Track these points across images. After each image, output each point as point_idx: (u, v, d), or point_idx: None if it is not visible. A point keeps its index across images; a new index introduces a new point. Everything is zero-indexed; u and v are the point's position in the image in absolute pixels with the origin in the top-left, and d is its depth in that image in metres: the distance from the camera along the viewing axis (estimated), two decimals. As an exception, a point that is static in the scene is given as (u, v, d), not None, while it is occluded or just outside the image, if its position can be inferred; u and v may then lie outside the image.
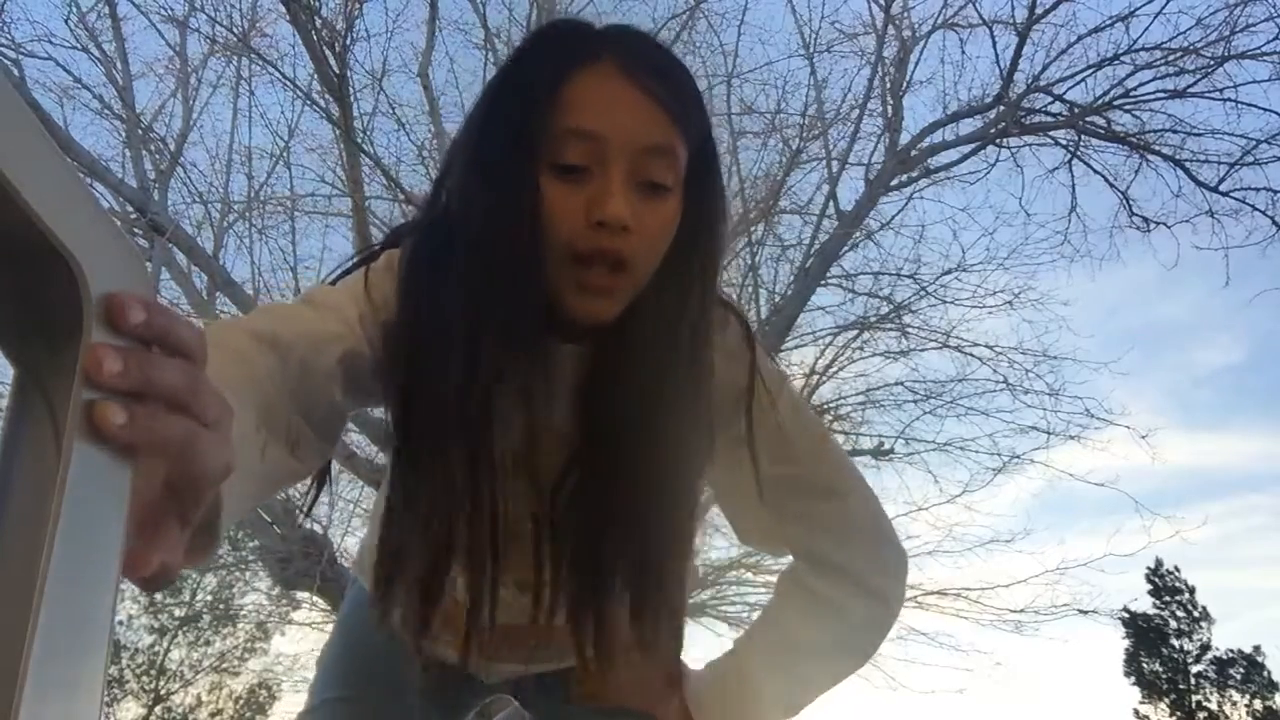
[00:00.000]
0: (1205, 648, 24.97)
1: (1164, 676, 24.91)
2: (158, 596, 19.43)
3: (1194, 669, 24.85)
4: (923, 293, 7.70)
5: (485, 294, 0.81)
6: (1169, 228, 7.41)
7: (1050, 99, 7.44)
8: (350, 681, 1.13)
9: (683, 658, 1.09)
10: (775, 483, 0.97)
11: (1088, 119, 7.37)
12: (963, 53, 7.64)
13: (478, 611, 0.86)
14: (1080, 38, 7.24)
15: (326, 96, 6.09)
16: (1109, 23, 7.12)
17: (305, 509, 1.04)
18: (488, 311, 0.81)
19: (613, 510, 0.87)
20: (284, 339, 0.74)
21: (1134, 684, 25.25)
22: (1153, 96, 7.24)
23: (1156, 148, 7.30)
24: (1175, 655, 25.02)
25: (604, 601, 0.89)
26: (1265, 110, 6.93)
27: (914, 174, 7.76)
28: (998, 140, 7.61)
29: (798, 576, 1.04)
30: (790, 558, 1.07)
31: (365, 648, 1.13)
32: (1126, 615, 24.25)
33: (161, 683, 19.36)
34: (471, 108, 0.90)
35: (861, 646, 1.04)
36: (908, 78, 7.77)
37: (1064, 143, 7.61)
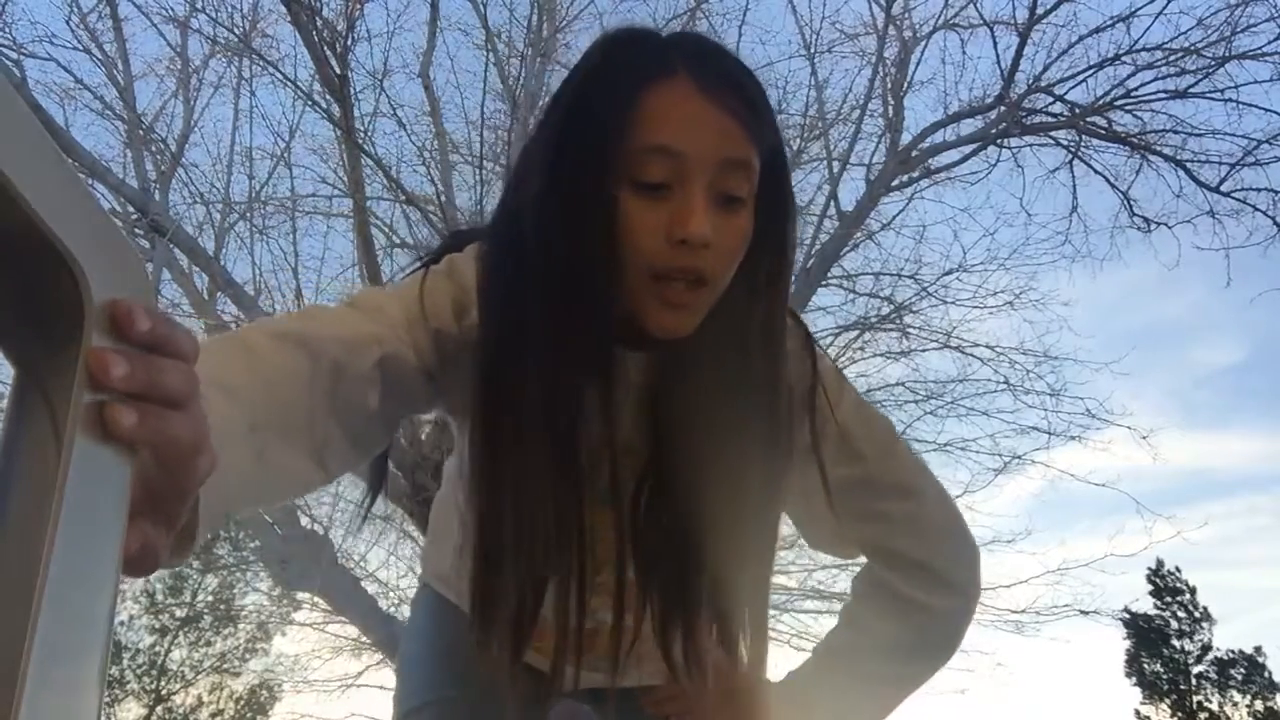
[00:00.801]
0: (1206, 648, 24.94)
1: (1165, 677, 24.88)
2: (159, 597, 19.43)
3: (1195, 670, 24.83)
4: (923, 293, 7.70)
5: (563, 311, 0.81)
6: (1170, 228, 7.42)
7: (1051, 99, 7.45)
8: (446, 683, 1.13)
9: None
10: (844, 484, 0.96)
11: (1089, 119, 7.37)
12: (964, 53, 7.65)
13: (567, 629, 0.86)
14: (1081, 38, 7.25)
15: (327, 97, 6.10)
16: (1110, 23, 7.12)
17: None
18: (565, 328, 0.81)
19: (691, 519, 0.86)
20: (315, 339, 0.74)
21: (1135, 684, 25.24)
22: (1154, 97, 7.25)
23: (1157, 148, 7.30)
24: (1176, 656, 25.00)
25: (689, 612, 0.88)
26: (1266, 110, 6.94)
27: (915, 174, 7.76)
28: (999, 140, 7.61)
29: (875, 576, 1.04)
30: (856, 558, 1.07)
31: (451, 652, 1.14)
32: (1127, 616, 24.21)
33: (162, 683, 19.36)
34: (542, 118, 0.89)
35: (945, 642, 1.04)
36: (909, 78, 7.77)
37: (1065, 143, 7.62)
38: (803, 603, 7.56)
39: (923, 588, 1.00)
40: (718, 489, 0.85)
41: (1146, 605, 25.24)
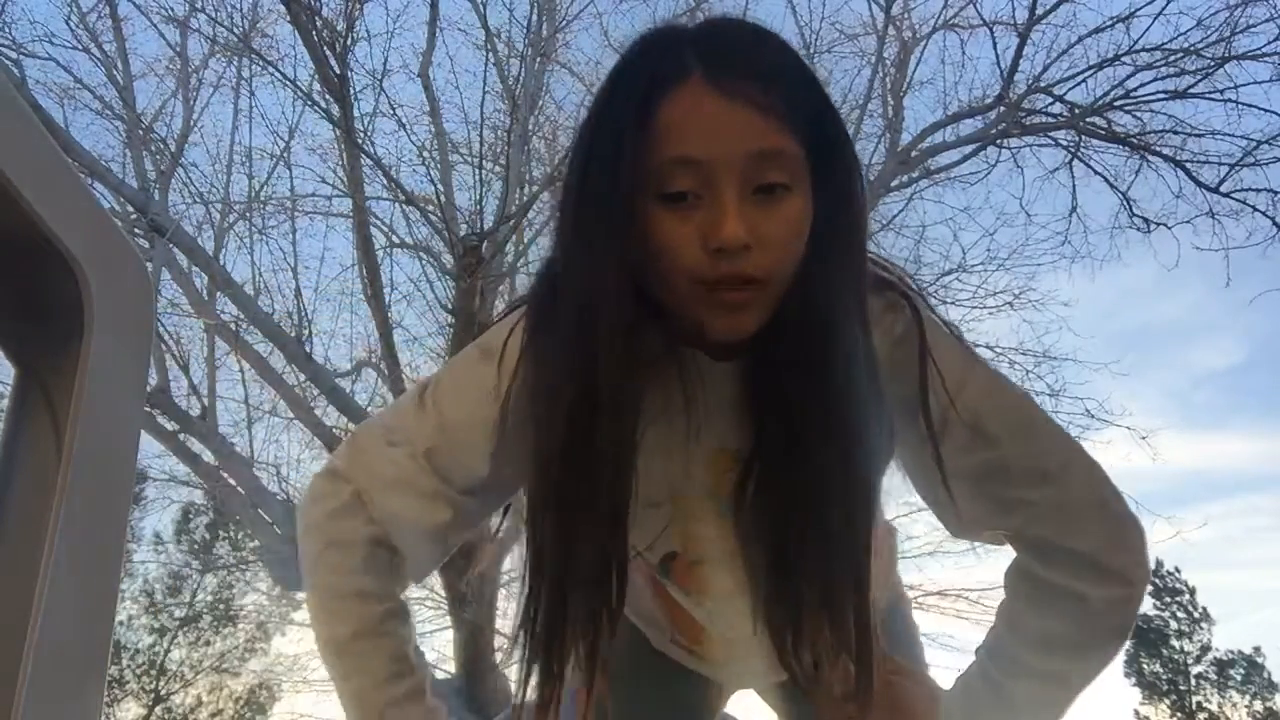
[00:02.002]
0: (1205, 649, 24.94)
1: (1164, 677, 24.87)
2: (158, 597, 19.44)
3: (1194, 670, 24.82)
4: (923, 294, 7.68)
5: (592, 348, 0.80)
6: (1169, 228, 7.42)
7: (1051, 100, 7.45)
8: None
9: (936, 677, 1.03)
10: (978, 471, 0.90)
11: (1088, 120, 7.37)
12: (963, 53, 7.65)
13: (593, 656, 0.84)
14: (1081, 38, 7.25)
15: (327, 97, 6.10)
16: (1109, 23, 7.12)
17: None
18: (599, 363, 0.80)
19: (794, 518, 0.84)
20: (396, 545, 0.88)
21: (1134, 685, 25.24)
22: (1153, 97, 7.25)
23: (1157, 148, 7.30)
24: (1175, 656, 24.99)
25: (799, 609, 0.86)
26: (1266, 111, 6.94)
27: (914, 174, 7.76)
28: (998, 141, 7.61)
29: (1025, 569, 0.96)
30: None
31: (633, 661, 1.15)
32: (1127, 616, 24.17)
33: (161, 683, 19.36)
34: (573, 141, 0.88)
35: (1110, 633, 0.95)
36: (908, 78, 7.78)
37: (1064, 143, 7.62)
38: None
39: (1076, 576, 0.92)
40: (816, 486, 0.83)
41: (1146, 605, 25.20)
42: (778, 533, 0.85)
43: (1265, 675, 24.35)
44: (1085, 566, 0.92)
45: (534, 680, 0.84)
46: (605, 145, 0.80)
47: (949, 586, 7.93)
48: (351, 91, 6.03)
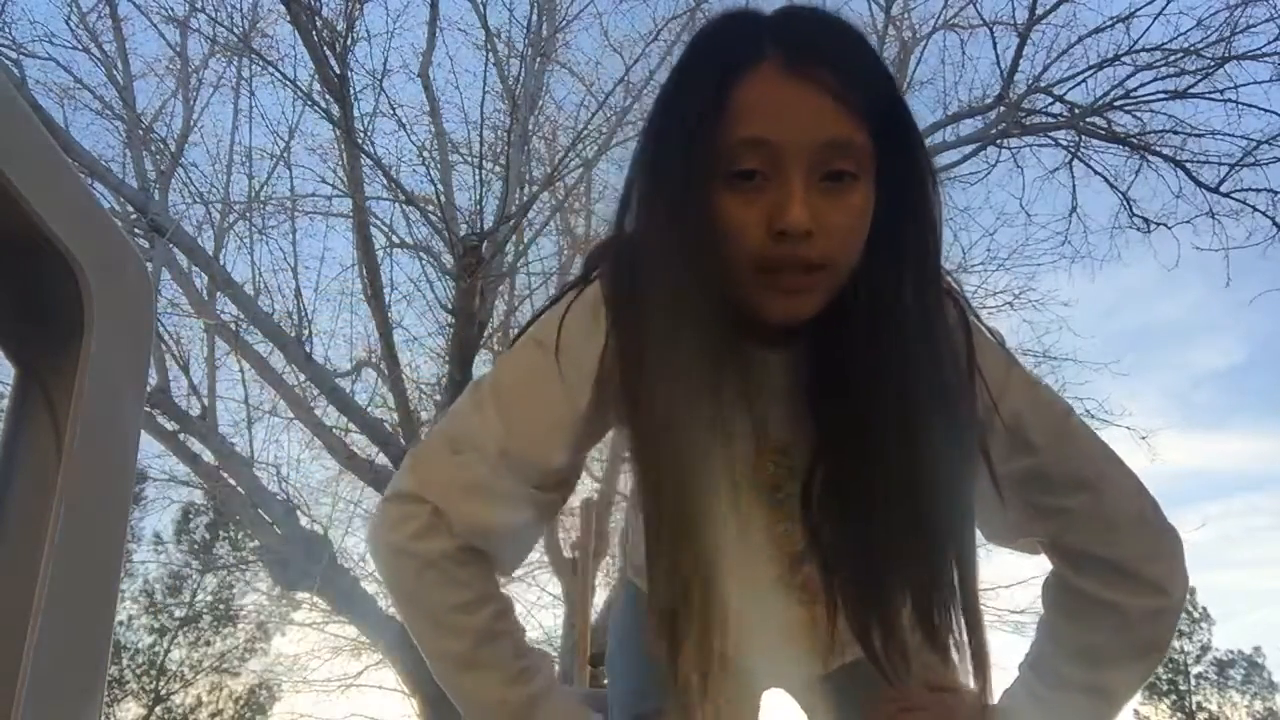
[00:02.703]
0: (1205, 649, 24.95)
1: (1164, 677, 24.88)
2: (158, 597, 19.44)
3: (1194, 670, 24.83)
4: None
5: (683, 315, 0.80)
6: (1169, 228, 7.42)
7: (1051, 100, 7.45)
8: (644, 688, 1.11)
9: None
10: (1016, 478, 0.90)
11: (1088, 120, 7.37)
12: (963, 53, 7.65)
13: (708, 649, 0.83)
14: (1081, 38, 7.26)
15: (327, 97, 6.10)
16: (1109, 23, 7.12)
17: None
18: (687, 333, 0.80)
19: (869, 508, 0.84)
20: (485, 549, 0.87)
21: (1134, 685, 25.24)
22: (1153, 97, 7.25)
23: (1157, 148, 7.30)
24: (1175, 656, 24.99)
25: (883, 606, 0.85)
26: (1266, 111, 6.94)
27: (914, 175, 7.74)
28: (998, 141, 7.62)
29: (1063, 580, 0.96)
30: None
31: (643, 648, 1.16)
32: (1127, 616, 24.18)
33: (161, 683, 19.36)
34: (646, 120, 0.89)
35: (1149, 645, 0.95)
36: (908, 78, 7.77)
37: (1064, 143, 7.62)
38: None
39: (1112, 587, 0.91)
40: (892, 478, 0.82)
41: (1146, 605, 25.22)
42: (852, 523, 0.85)
43: (1265, 675, 24.37)
44: (1120, 575, 0.91)
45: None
46: (679, 124, 0.81)
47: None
48: (351, 91, 6.03)
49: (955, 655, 0.85)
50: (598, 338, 0.87)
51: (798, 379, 0.88)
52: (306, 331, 6.47)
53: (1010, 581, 7.92)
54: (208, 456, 6.56)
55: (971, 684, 0.88)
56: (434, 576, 0.85)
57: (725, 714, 0.88)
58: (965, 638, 0.85)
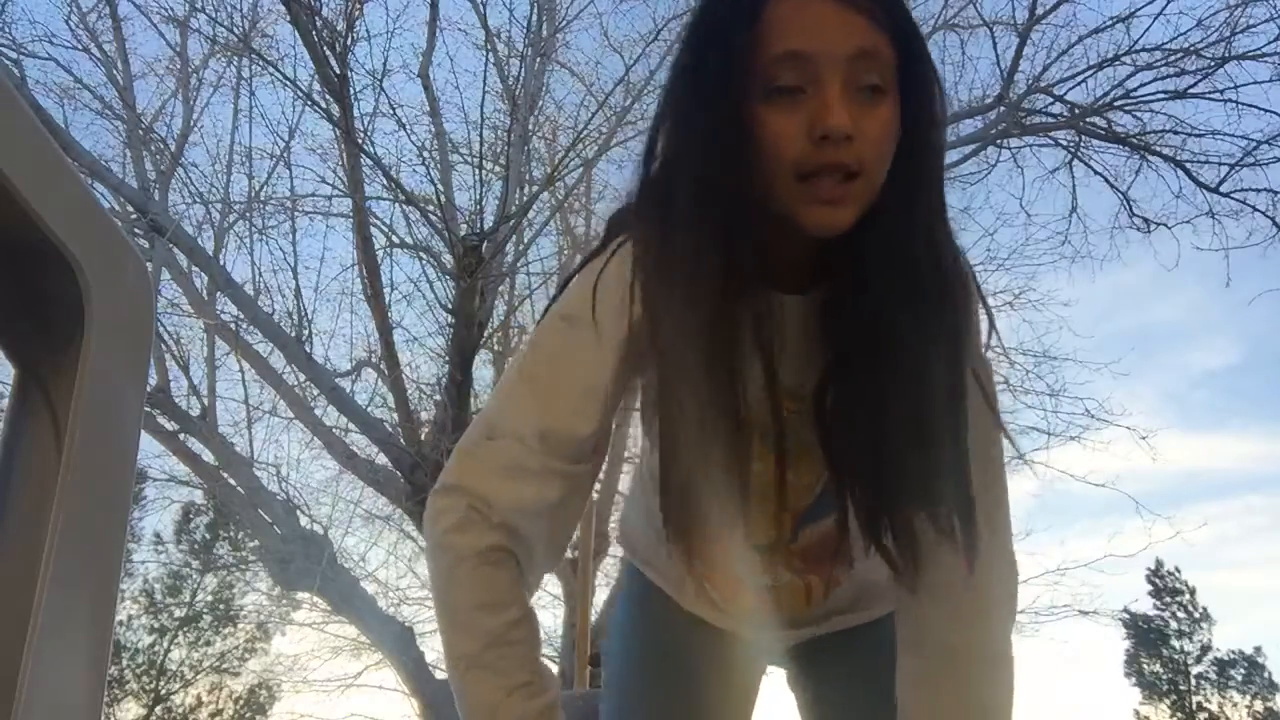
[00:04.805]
0: (1206, 649, 24.94)
1: (1164, 677, 24.87)
2: (158, 597, 19.43)
3: (1194, 670, 24.82)
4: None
5: (710, 237, 0.84)
6: (1169, 228, 7.41)
7: (1051, 100, 7.44)
8: (643, 657, 1.18)
9: None
10: None
11: (1088, 120, 7.37)
12: (963, 53, 7.64)
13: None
14: (1081, 38, 7.25)
15: (327, 97, 6.10)
16: (1109, 23, 7.12)
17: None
18: (719, 263, 0.84)
19: (877, 420, 0.88)
20: (520, 543, 0.89)
21: (1134, 685, 25.23)
22: (1153, 97, 7.24)
23: (1157, 148, 7.30)
24: (1176, 656, 24.99)
25: (895, 501, 0.89)
26: (1266, 111, 6.93)
27: (914, 174, 7.73)
28: (998, 141, 7.61)
29: (919, 676, 0.95)
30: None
31: (644, 618, 1.20)
32: (1127, 616, 24.22)
33: (161, 683, 19.35)
34: (676, 54, 0.93)
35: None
36: (908, 78, 7.74)
37: (1065, 143, 7.62)
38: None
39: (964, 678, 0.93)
40: (902, 393, 0.86)
41: (1146, 605, 25.24)
42: (861, 433, 0.89)
43: (1266, 675, 24.36)
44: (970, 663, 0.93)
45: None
46: (715, 47, 0.85)
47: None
48: (351, 91, 6.03)
49: (962, 548, 0.89)
50: (628, 299, 0.90)
51: (813, 323, 0.91)
52: (306, 331, 6.48)
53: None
54: (208, 456, 6.56)
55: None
56: (463, 573, 0.88)
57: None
58: (966, 531, 0.89)
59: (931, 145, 0.88)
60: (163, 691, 19.32)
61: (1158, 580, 25.38)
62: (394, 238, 6.93)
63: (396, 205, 6.83)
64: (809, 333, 0.92)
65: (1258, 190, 7.11)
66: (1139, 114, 7.32)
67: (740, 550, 1.01)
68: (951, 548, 0.89)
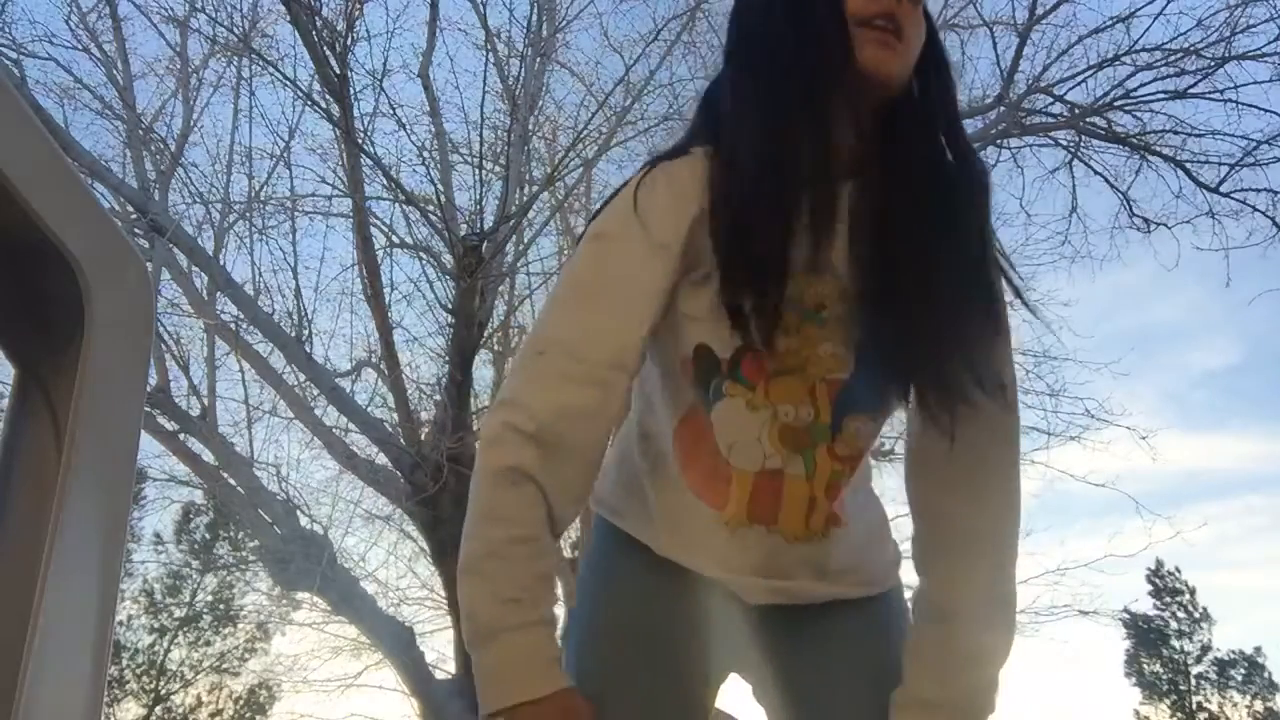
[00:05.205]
0: (1206, 649, 24.94)
1: (1165, 677, 24.87)
2: (158, 597, 19.43)
3: (1195, 670, 24.82)
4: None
5: (801, 123, 0.99)
6: (1169, 228, 7.41)
7: (1051, 100, 7.44)
8: (610, 613, 1.18)
9: None
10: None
11: (1088, 120, 7.36)
12: (963, 53, 7.63)
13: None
14: (1081, 38, 7.24)
15: (327, 97, 6.09)
16: (1109, 23, 7.11)
17: None
18: (806, 139, 0.99)
19: (916, 265, 1.00)
20: (552, 451, 0.95)
21: (1134, 685, 25.23)
22: (1153, 97, 7.23)
23: (1157, 148, 7.29)
24: (1176, 656, 24.98)
25: (931, 350, 1.00)
26: (1266, 111, 6.93)
27: (914, 174, 7.72)
28: (998, 141, 7.61)
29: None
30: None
31: (609, 572, 1.20)
32: (1127, 616, 24.22)
33: (161, 683, 19.35)
34: None
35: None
36: (908, 78, 7.75)
37: (1065, 143, 7.61)
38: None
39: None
40: (937, 253, 1.00)
41: (1146, 606, 25.24)
42: (914, 293, 0.99)
43: (1266, 675, 24.36)
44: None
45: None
46: None
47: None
48: (351, 91, 6.03)
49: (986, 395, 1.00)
50: (689, 201, 1.01)
51: (859, 205, 1.02)
52: (306, 331, 6.47)
53: (1010, 581, 7.92)
54: (208, 456, 6.56)
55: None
56: (483, 485, 0.96)
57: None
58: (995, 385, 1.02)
59: (947, 65, 1.07)
60: (163, 691, 19.33)
61: (1158, 580, 25.39)
62: (394, 238, 6.93)
63: (396, 205, 6.83)
64: (855, 216, 1.02)
65: (1258, 190, 7.11)
66: (1139, 114, 7.32)
67: (755, 410, 1.05)
68: (985, 419, 1.02)
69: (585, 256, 1.04)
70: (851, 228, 1.02)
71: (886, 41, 0.99)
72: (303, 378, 6.44)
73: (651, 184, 1.02)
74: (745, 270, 0.98)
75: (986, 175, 1.07)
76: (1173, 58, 7.04)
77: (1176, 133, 7.25)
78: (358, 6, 6.13)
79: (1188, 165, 7.23)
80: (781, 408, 1.04)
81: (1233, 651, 24.83)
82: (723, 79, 1.11)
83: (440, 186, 6.79)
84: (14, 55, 6.52)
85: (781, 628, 1.13)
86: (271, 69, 6.55)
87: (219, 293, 6.57)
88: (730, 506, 1.08)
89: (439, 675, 6.21)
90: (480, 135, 6.42)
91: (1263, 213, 7.06)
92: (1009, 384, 1.06)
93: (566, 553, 7.22)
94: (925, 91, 1.04)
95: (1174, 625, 25.24)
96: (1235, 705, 24.39)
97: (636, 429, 1.17)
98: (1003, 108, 7.38)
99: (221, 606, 19.42)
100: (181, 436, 6.47)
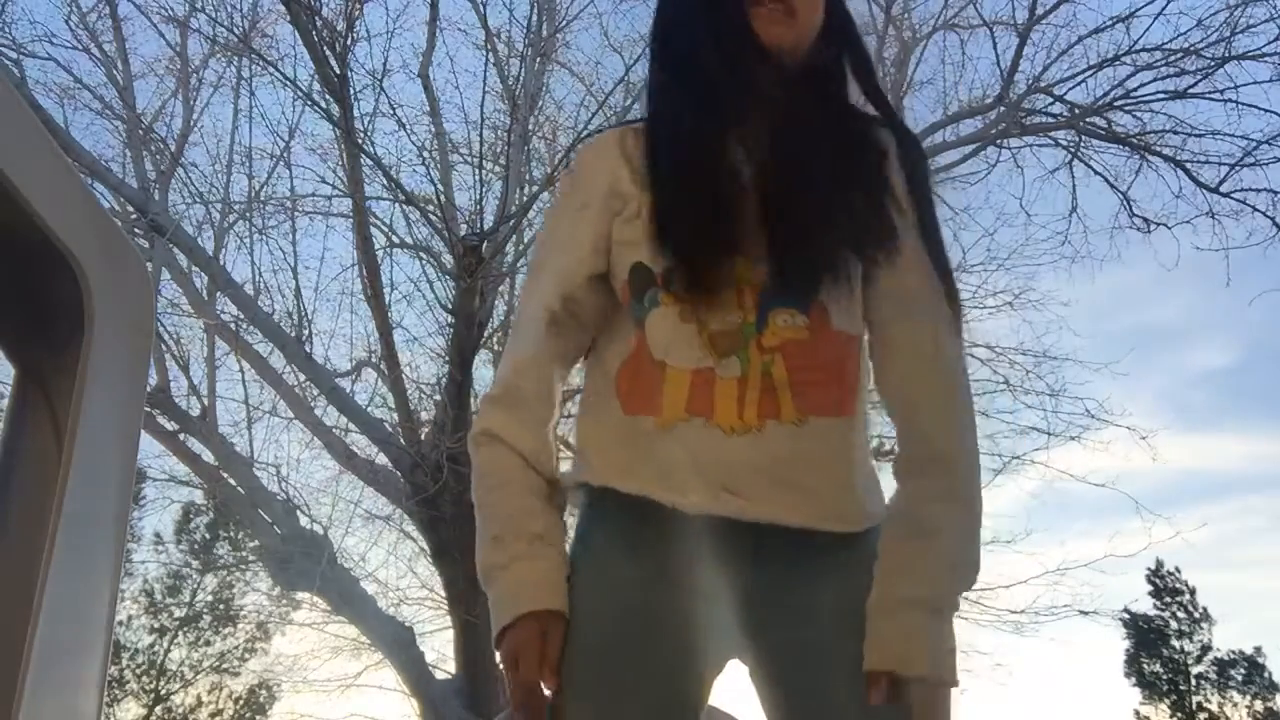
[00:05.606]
0: (1206, 649, 24.94)
1: (1165, 677, 24.87)
2: (158, 597, 19.44)
3: (1195, 670, 24.82)
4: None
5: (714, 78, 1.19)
6: (1169, 228, 7.41)
7: (1051, 100, 7.44)
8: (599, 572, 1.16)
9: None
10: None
11: (1088, 120, 7.37)
12: (963, 53, 7.65)
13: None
14: (1081, 38, 7.25)
15: (327, 97, 6.10)
16: (1109, 23, 7.12)
17: None
18: (713, 74, 1.19)
19: (813, 188, 1.16)
20: (513, 400, 1.17)
21: (1135, 685, 25.24)
22: (1153, 97, 7.24)
23: (1157, 148, 7.29)
24: (1176, 656, 24.99)
25: (824, 244, 1.14)
26: (1266, 111, 6.93)
27: (914, 174, 7.72)
28: (998, 141, 7.61)
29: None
30: None
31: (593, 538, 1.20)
32: (1127, 616, 24.23)
33: (161, 683, 19.36)
34: None
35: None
36: (908, 78, 7.77)
37: (1065, 143, 7.61)
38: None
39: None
40: (824, 161, 1.18)
41: (1146, 605, 25.25)
42: (806, 192, 1.16)
43: (1266, 675, 24.36)
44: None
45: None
46: None
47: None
48: (351, 91, 6.03)
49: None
50: (608, 158, 1.21)
51: (773, 142, 1.19)
52: (306, 331, 6.47)
53: (1010, 582, 7.93)
54: (208, 456, 6.56)
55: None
56: (471, 453, 1.17)
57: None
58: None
59: (856, 36, 1.30)
60: (163, 691, 19.33)
61: (1158, 580, 25.40)
62: (394, 238, 6.94)
63: (396, 205, 6.84)
64: (768, 151, 1.19)
65: (1258, 190, 7.11)
66: (1139, 114, 7.33)
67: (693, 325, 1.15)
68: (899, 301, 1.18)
69: (539, 236, 1.26)
70: (763, 162, 1.19)
71: (776, 18, 1.18)
72: (303, 378, 6.44)
73: (576, 158, 1.29)
74: (673, 189, 1.15)
75: (904, 143, 1.29)
76: (1173, 58, 7.04)
77: (1176, 133, 7.26)
78: (358, 6, 6.14)
79: (1188, 165, 7.24)
80: (711, 315, 1.13)
81: (1233, 651, 24.85)
82: (650, 68, 1.32)
83: (440, 186, 6.80)
84: (14, 55, 6.52)
85: (766, 597, 1.10)
86: (271, 69, 6.55)
87: (219, 293, 6.57)
88: (666, 408, 1.11)
89: (439, 675, 6.21)
90: (480, 135, 6.43)
91: (1263, 213, 7.07)
92: (928, 275, 1.18)
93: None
94: (835, 59, 1.27)
95: (1174, 625, 25.25)
96: (1235, 705, 24.40)
97: (591, 399, 1.23)
98: (1003, 108, 7.38)
99: (221, 606, 19.43)
100: (181, 436, 6.47)
